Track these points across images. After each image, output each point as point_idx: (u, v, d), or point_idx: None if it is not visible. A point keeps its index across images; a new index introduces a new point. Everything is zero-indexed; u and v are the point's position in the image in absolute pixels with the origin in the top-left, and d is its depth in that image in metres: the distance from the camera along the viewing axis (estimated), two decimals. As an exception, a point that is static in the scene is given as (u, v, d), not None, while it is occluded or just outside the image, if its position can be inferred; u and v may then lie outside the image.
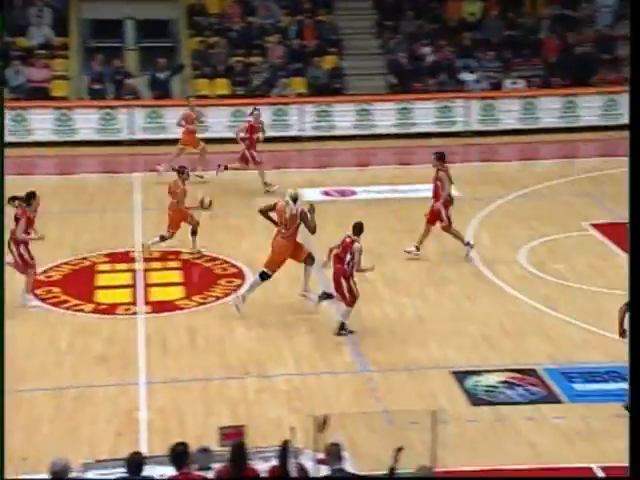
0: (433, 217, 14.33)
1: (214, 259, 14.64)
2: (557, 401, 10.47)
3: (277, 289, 13.56)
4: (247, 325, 12.45)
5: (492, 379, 10.91)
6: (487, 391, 10.70)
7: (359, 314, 12.67)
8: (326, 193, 17.83)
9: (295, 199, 12.42)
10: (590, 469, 9.07)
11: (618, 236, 15.28)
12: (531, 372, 11.03)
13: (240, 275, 14.05)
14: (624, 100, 21.55)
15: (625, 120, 21.59)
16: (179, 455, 7.19)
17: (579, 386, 10.73)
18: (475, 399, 10.52)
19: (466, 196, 16.74)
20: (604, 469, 9.06)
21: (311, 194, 17.76)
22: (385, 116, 21.78)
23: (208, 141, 19.58)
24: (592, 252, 14.77)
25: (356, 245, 11.80)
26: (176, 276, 14.11)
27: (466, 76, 22.73)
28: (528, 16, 23.89)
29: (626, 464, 9.05)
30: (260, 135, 17.67)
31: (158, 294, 13.46)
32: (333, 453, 7.34)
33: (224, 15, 24.17)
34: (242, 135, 17.74)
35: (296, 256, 12.61)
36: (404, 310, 12.77)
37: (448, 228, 14.31)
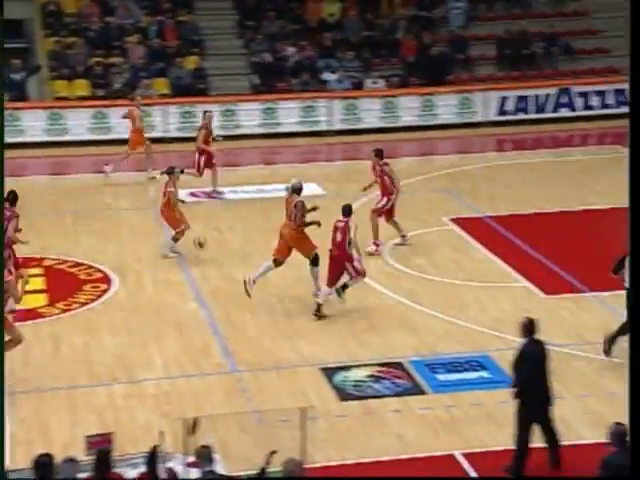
0: (390, 212, 14.86)
1: (78, 264, 14.33)
2: (422, 392, 10.76)
3: (145, 293, 13.41)
4: (114, 331, 12.25)
5: (360, 374, 11.13)
6: (355, 386, 10.90)
7: (228, 316, 12.68)
8: (193, 194, 17.71)
9: (296, 190, 12.90)
10: (453, 456, 9.39)
11: (476, 230, 15.88)
12: (397, 365, 11.30)
13: (106, 280, 13.80)
14: (478, 98, 22.39)
15: (479, 118, 22.51)
16: (43, 466, 7.03)
17: (442, 376, 11.07)
18: (344, 394, 10.71)
19: (331, 194, 16.99)
20: (465, 455, 9.40)
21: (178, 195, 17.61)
22: (250, 116, 21.82)
23: (70, 144, 19.13)
24: (452, 246, 15.25)
25: (352, 224, 12.42)
26: (38, 283, 13.72)
27: (328, 76, 23.05)
28: (385, 17, 24.41)
29: (486, 449, 9.50)
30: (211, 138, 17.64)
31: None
32: (203, 456, 7.34)
33: (81, 15, 23.64)
34: (202, 144, 17.42)
35: (305, 251, 12.92)
36: (272, 309, 12.86)
37: (374, 217, 14.79)
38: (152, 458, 7.28)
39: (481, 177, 18.78)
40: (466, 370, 11.19)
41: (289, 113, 22.02)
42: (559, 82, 22.67)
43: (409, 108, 22.20)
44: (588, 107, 22.27)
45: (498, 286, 13.59)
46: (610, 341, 11.23)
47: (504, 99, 22.32)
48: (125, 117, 18.77)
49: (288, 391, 10.71)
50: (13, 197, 12.78)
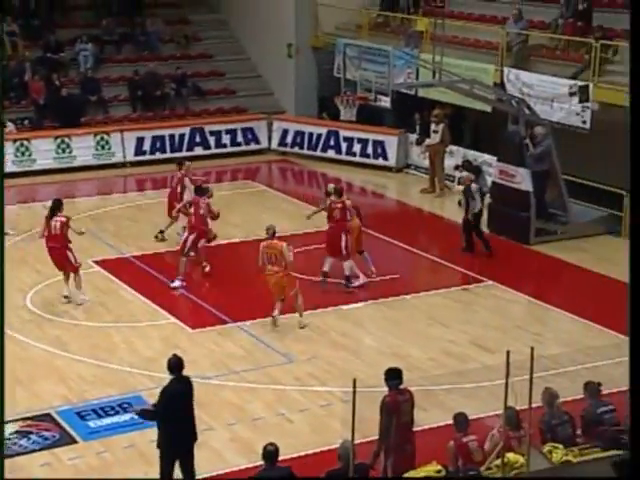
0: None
1: None
2: (73, 442, 10.50)
3: None
4: None
5: (5, 432, 10.60)
6: None
7: None
8: None
9: (335, 192, 15.14)
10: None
11: (122, 270, 15.85)
12: (45, 417, 10.93)
13: None
14: (115, 139, 22.39)
15: (117, 158, 22.50)
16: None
17: (93, 423, 10.88)
18: (-13, 456, 10.13)
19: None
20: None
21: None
22: None
23: None
24: (98, 289, 15.07)
25: (348, 202, 14.87)
26: None
27: (-53, 121, 21.78)
28: (9, 59, 23.56)
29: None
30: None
31: None
32: None
33: None
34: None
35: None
36: None
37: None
38: None
39: (125, 217, 18.80)
40: (118, 413, 11.10)
41: None
42: (192, 122, 23.37)
43: (44, 151, 21.64)
44: (221, 145, 23.24)
45: (147, 325, 13.69)
46: (467, 242, 16.02)
47: (140, 139, 22.56)
48: None
49: None
50: (59, 205, 14.66)
